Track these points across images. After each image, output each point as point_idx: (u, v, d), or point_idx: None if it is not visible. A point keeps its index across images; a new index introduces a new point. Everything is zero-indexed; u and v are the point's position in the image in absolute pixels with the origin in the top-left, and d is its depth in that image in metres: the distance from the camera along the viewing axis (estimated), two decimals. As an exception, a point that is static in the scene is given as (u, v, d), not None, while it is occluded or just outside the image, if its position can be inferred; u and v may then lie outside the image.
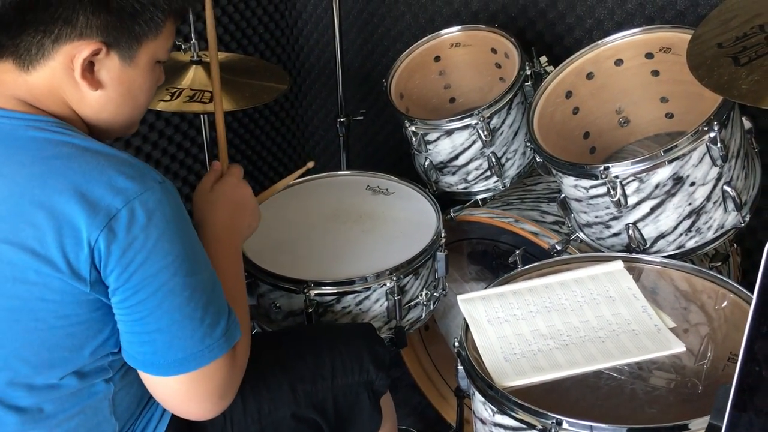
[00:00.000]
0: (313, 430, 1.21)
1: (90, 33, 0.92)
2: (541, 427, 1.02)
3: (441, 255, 1.52)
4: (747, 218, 1.37)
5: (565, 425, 1.00)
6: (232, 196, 1.23)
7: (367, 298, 1.42)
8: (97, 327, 0.96)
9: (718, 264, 1.61)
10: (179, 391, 0.98)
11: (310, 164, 1.41)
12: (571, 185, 1.40)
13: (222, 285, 1.02)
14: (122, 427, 1.06)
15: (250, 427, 1.15)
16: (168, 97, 1.65)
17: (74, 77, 0.94)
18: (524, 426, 1.04)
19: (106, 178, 0.90)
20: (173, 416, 1.09)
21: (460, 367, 1.17)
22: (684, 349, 1.12)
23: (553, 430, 1.00)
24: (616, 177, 1.30)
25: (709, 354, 1.12)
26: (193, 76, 1.72)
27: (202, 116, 1.90)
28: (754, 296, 0.63)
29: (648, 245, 1.38)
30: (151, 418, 1.10)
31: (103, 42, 0.93)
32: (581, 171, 1.35)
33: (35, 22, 0.91)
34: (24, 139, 0.93)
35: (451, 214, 1.68)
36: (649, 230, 1.37)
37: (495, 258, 1.73)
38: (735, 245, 1.73)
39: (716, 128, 1.25)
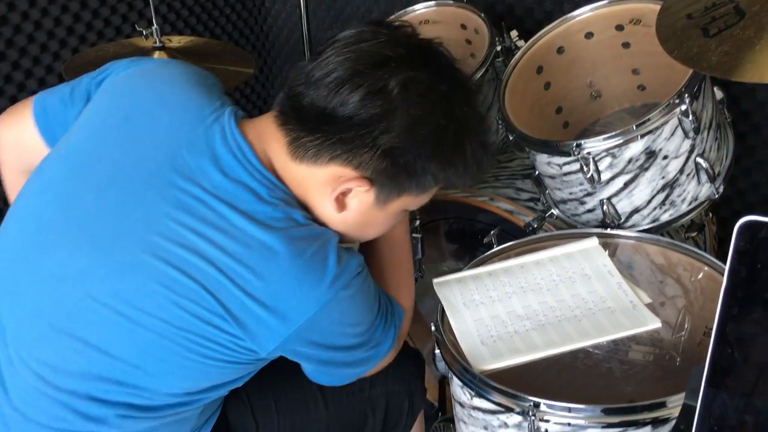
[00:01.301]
0: None
1: (364, 169, 0.95)
2: (519, 409, 1.01)
3: (416, 237, 1.50)
4: (721, 189, 1.37)
5: (542, 407, 0.99)
6: None
7: (342, 284, 1.41)
8: (249, 370, 1.04)
9: (693, 234, 1.62)
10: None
11: None
12: (544, 162, 1.39)
13: (390, 264, 1.13)
14: None
15: None
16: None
17: (328, 192, 0.97)
18: (502, 409, 1.03)
19: (324, 269, 0.93)
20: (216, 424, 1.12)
21: (437, 351, 1.16)
22: (660, 325, 1.12)
23: (530, 412, 0.99)
24: (589, 153, 1.29)
25: (686, 326, 1.13)
26: (156, 63, 1.68)
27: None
28: (724, 279, 0.63)
29: (623, 220, 1.38)
30: (204, 421, 1.10)
31: (369, 179, 0.96)
32: (553, 148, 1.34)
33: (326, 133, 0.94)
34: (266, 203, 0.94)
35: (426, 194, 1.66)
36: (623, 205, 1.36)
37: (472, 237, 1.72)
38: (710, 214, 1.73)
39: (687, 101, 1.24)
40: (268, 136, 0.98)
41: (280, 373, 1.09)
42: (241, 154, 0.96)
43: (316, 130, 0.95)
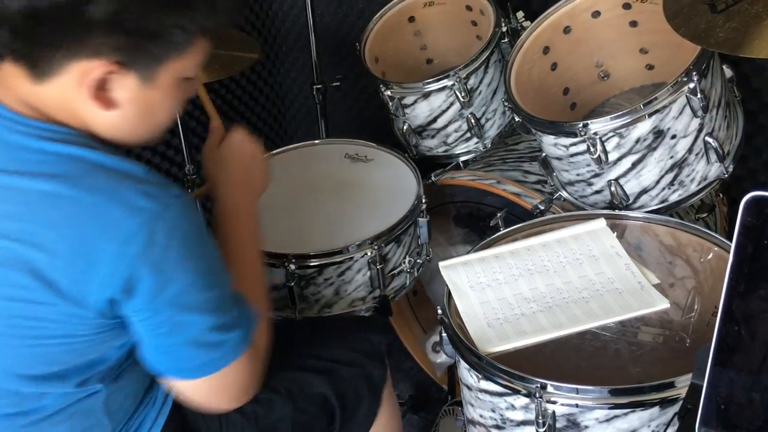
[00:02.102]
0: (311, 428, 1.20)
1: (104, 52, 0.85)
2: (526, 391, 1.01)
3: (423, 221, 1.49)
4: (730, 169, 1.35)
5: (549, 389, 0.99)
6: (242, 152, 1.20)
7: (349, 268, 1.40)
8: (102, 341, 0.95)
9: (704, 215, 1.60)
10: (202, 390, 0.99)
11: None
12: (551, 144, 1.38)
13: (237, 258, 1.04)
14: (116, 428, 1.03)
15: (246, 430, 1.13)
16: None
17: (84, 95, 0.88)
18: (509, 391, 1.03)
19: (122, 199, 0.85)
20: (168, 418, 1.08)
21: (444, 335, 1.16)
22: (668, 305, 1.11)
23: (537, 394, 0.99)
24: (596, 134, 1.28)
25: (696, 307, 1.12)
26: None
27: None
28: (731, 256, 0.62)
29: (631, 201, 1.36)
30: (146, 418, 1.07)
31: (117, 62, 0.86)
32: (560, 129, 1.33)
33: (46, 35, 0.84)
34: (35, 151, 0.87)
35: (432, 178, 1.66)
36: (631, 186, 1.35)
37: (480, 220, 1.72)
38: (721, 195, 1.71)
39: (696, 78, 1.22)
40: (6, 77, 0.89)
41: None
42: None
43: (34, 39, 0.84)
